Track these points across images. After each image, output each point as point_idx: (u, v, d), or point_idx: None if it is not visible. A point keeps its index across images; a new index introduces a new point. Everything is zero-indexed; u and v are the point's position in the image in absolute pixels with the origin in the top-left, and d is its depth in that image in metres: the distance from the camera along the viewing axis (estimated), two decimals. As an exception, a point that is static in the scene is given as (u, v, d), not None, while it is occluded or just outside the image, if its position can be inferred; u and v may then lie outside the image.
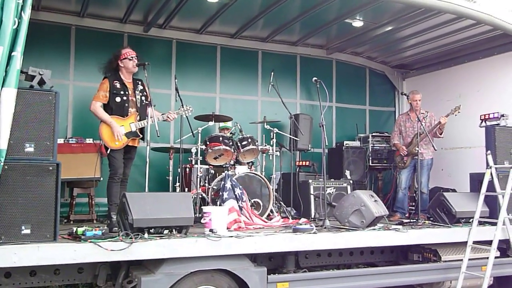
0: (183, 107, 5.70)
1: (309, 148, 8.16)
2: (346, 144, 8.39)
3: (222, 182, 5.91)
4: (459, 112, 6.96)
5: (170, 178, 6.71)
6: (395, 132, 7.64)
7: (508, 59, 7.37)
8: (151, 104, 5.29)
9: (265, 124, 7.09)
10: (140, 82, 5.48)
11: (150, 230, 4.29)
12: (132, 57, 5.36)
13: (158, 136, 5.11)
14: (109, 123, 5.19)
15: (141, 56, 5.56)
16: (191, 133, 6.12)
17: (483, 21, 6.53)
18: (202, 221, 4.81)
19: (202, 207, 5.53)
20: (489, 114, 6.70)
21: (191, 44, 8.10)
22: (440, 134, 7.15)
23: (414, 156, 7.09)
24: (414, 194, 7.68)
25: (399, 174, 7.49)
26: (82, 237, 4.12)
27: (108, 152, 5.23)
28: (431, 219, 6.32)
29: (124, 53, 5.37)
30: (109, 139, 5.18)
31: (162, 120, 5.52)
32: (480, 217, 5.79)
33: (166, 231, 4.39)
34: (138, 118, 5.34)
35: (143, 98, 5.43)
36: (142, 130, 5.38)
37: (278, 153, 7.06)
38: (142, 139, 5.43)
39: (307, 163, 7.89)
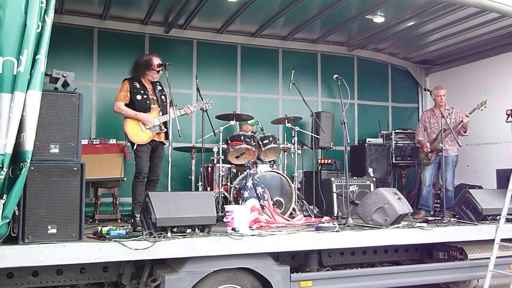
0: (202, 100, 5.76)
1: (331, 146, 8.13)
2: (368, 141, 8.33)
3: (244, 181, 5.92)
4: (485, 107, 6.82)
5: (193, 177, 6.76)
6: (419, 128, 7.56)
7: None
8: (172, 104, 5.35)
9: (286, 122, 7.08)
10: (158, 83, 5.59)
11: (173, 229, 4.34)
12: (159, 71, 5.45)
13: (180, 136, 5.17)
14: (134, 116, 5.28)
15: (162, 57, 5.63)
16: (213, 132, 6.15)
17: (508, 14, 6.39)
18: (225, 220, 4.83)
19: (224, 206, 5.56)
20: (516, 109, 6.59)
21: (211, 43, 8.14)
22: (465, 132, 7.03)
23: (438, 152, 7.00)
24: (439, 191, 7.57)
25: (423, 171, 7.40)
26: (107, 236, 4.18)
27: (134, 148, 5.30)
28: (457, 216, 6.21)
29: (154, 66, 5.47)
30: (134, 134, 5.26)
31: (181, 114, 5.57)
32: (507, 214, 5.67)
33: (189, 230, 4.42)
34: (160, 113, 5.43)
35: (163, 97, 5.54)
36: (165, 125, 5.45)
37: (300, 151, 7.04)
38: (167, 134, 5.49)
39: (329, 161, 7.85)
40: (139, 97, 5.38)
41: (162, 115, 5.45)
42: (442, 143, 6.62)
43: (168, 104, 5.47)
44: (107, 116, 6.81)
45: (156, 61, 5.52)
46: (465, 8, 6.64)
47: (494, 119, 7.23)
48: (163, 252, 4.15)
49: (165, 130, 5.48)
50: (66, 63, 6.64)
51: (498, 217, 5.70)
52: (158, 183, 5.53)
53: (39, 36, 3.81)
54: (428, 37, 8.21)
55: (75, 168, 4.07)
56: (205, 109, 5.79)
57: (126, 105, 5.38)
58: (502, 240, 5.54)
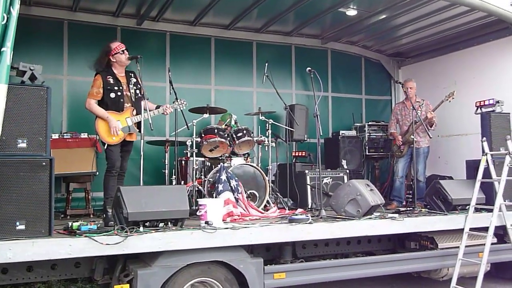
0: (177, 100, 5.68)
1: (305, 139, 8.17)
2: (342, 133, 8.40)
3: (218, 174, 5.91)
4: (453, 98, 6.95)
5: (166, 171, 6.72)
6: (392, 121, 7.65)
7: (502, 45, 7.36)
8: (144, 97, 5.27)
9: (260, 115, 7.09)
10: (132, 75, 5.44)
11: (146, 224, 4.30)
12: (123, 50, 5.33)
13: (152, 130, 5.11)
14: (105, 118, 5.17)
15: (134, 50, 5.54)
16: (186, 126, 6.10)
17: (476, 7, 6.52)
18: (198, 213, 4.81)
19: (198, 199, 5.54)
20: (484, 100, 6.69)
21: (184, 36, 8.07)
22: (431, 126, 7.08)
23: (410, 144, 7.09)
24: (411, 183, 7.69)
25: (396, 163, 7.51)
26: (77, 231, 4.13)
27: (105, 147, 5.22)
28: (428, 207, 6.33)
29: (115, 48, 5.33)
30: (106, 135, 5.17)
31: (159, 114, 5.49)
32: (476, 204, 5.80)
33: (161, 224, 4.40)
34: (134, 112, 5.33)
35: (137, 91, 5.40)
36: (139, 124, 5.36)
37: (274, 144, 7.07)
38: (139, 128, 5.41)
39: (303, 153, 7.90)
40: (112, 95, 5.23)
41: (136, 114, 5.33)
42: (413, 135, 6.74)
43: (141, 97, 5.36)
44: (78, 110, 6.69)
45: (114, 44, 5.36)
46: (436, 2, 6.74)
47: (464, 111, 7.37)
48: (136, 246, 4.12)
49: (137, 131, 5.36)
50: (35, 56, 6.48)
51: (467, 207, 5.83)
52: (125, 176, 5.45)
53: (4, 28, 3.72)
54: (400, 30, 8.30)
55: (44, 163, 3.99)
56: (179, 109, 5.74)
57: (99, 101, 5.26)
58: (471, 229, 5.67)
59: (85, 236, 4.00)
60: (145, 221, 4.29)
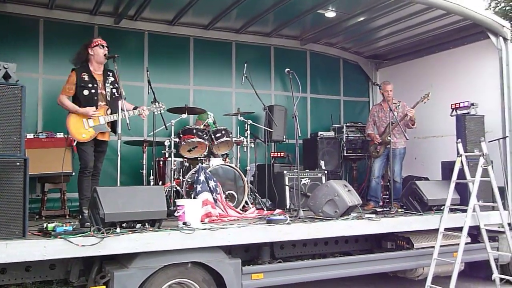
0: (155, 102, 5.64)
1: (284, 139, 8.20)
2: (320, 134, 8.44)
3: (196, 175, 5.89)
4: (428, 100, 7.06)
5: (144, 171, 6.67)
6: (369, 122, 7.75)
7: (477, 49, 7.49)
8: (122, 97, 5.21)
9: (239, 116, 7.09)
10: (111, 74, 5.37)
11: (122, 225, 4.26)
12: (103, 45, 5.27)
13: (129, 130, 5.07)
14: (75, 111, 5.08)
15: (112, 49, 5.48)
16: (164, 126, 6.07)
17: (452, 10, 6.64)
18: (176, 214, 4.80)
19: (175, 200, 5.51)
20: (459, 103, 6.83)
21: (163, 35, 8.02)
22: (413, 125, 7.25)
23: (387, 145, 7.19)
24: (388, 183, 7.79)
25: (372, 164, 7.60)
26: (52, 233, 4.07)
27: (75, 144, 5.14)
28: (404, 207, 6.42)
29: (95, 41, 5.27)
30: (75, 131, 5.08)
31: (135, 115, 5.43)
32: (451, 205, 5.90)
33: (138, 225, 4.36)
34: (108, 111, 5.26)
35: (113, 90, 5.32)
36: (113, 123, 5.29)
37: (252, 145, 7.08)
38: (114, 132, 5.34)
39: (282, 154, 7.93)
40: (86, 92, 5.16)
41: (111, 113, 5.27)
42: (389, 136, 6.82)
43: (118, 97, 5.29)
44: (54, 109, 6.55)
45: (96, 38, 5.29)
46: (413, 5, 6.82)
47: (440, 113, 7.47)
48: (112, 248, 4.08)
49: (109, 130, 5.30)
50: (10, 54, 6.38)
51: (442, 208, 5.93)
52: (99, 177, 5.38)
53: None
54: (378, 33, 8.39)
55: (18, 163, 3.93)
56: (156, 113, 5.68)
57: (73, 98, 5.18)
58: (446, 229, 5.77)
59: (60, 238, 3.95)
60: (122, 222, 4.25)
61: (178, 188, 6.25)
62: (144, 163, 6.68)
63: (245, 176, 6.57)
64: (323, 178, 7.10)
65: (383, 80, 7.85)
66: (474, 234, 6.20)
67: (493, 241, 6.29)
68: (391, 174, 6.97)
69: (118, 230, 4.18)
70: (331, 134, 8.70)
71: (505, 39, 6.85)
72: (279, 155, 7.95)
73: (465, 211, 5.73)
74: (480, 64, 7.41)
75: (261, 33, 8.65)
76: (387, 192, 7.58)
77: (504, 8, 26.57)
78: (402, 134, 7.02)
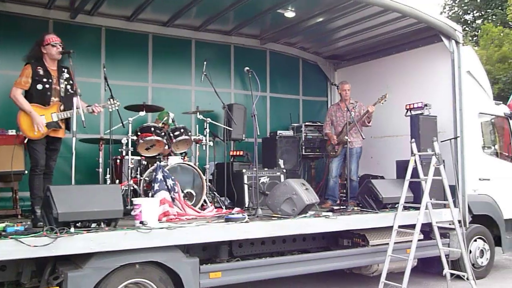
0: (111, 99, 5.54)
1: (243, 138, 8.22)
2: (279, 133, 8.51)
3: (154, 173, 5.83)
4: (385, 101, 7.26)
5: (101, 170, 6.53)
6: (326, 122, 7.86)
7: (431, 51, 7.69)
8: (77, 94, 5.09)
9: (198, 114, 7.06)
10: (66, 70, 5.25)
11: (77, 224, 4.19)
12: (55, 43, 5.12)
13: (84, 127, 4.95)
14: (28, 112, 4.95)
15: (68, 44, 5.34)
16: (121, 124, 5.97)
17: (407, 14, 6.82)
18: (133, 213, 4.75)
19: (133, 199, 5.44)
20: (413, 103, 7.05)
21: (121, 32, 7.87)
22: (369, 122, 7.41)
23: (344, 144, 7.31)
24: (345, 182, 7.92)
25: (330, 163, 7.71)
26: (3, 233, 3.94)
27: (26, 142, 5.00)
28: (360, 205, 6.55)
29: (47, 39, 5.12)
30: (27, 129, 4.93)
31: (88, 112, 5.32)
32: (405, 203, 6.07)
33: (94, 225, 4.30)
34: (61, 108, 5.13)
35: (68, 87, 5.20)
36: (67, 120, 5.17)
37: (211, 143, 7.06)
38: (68, 129, 5.22)
39: (241, 153, 7.93)
40: (40, 86, 5.02)
41: (64, 109, 5.13)
42: (347, 136, 6.94)
43: (72, 94, 5.16)
44: (6, 105, 6.33)
45: (48, 36, 5.16)
46: (370, 7, 6.95)
47: (396, 113, 7.65)
48: (66, 248, 4.00)
49: (62, 127, 5.18)
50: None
51: (396, 205, 6.09)
52: (52, 175, 5.25)
53: None
54: (336, 33, 8.51)
55: (-34, 161, 3.79)
56: (111, 110, 5.58)
57: (25, 92, 5.02)
58: (400, 226, 5.93)
59: (11, 238, 3.84)
60: (76, 222, 4.18)
61: (135, 186, 6.17)
62: (100, 162, 6.55)
63: (204, 175, 6.54)
64: (282, 176, 7.16)
65: (342, 80, 7.99)
66: (427, 231, 6.41)
67: (445, 237, 6.54)
68: (347, 173, 7.09)
69: (72, 229, 4.10)
70: (290, 133, 8.77)
71: (457, 43, 7.08)
72: (238, 153, 7.95)
73: (418, 209, 5.90)
74: (434, 66, 7.62)
75: (221, 31, 8.63)
76: (344, 191, 7.71)
77: (457, 12, 27.54)
78: (358, 133, 7.17)
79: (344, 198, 7.31)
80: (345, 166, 7.73)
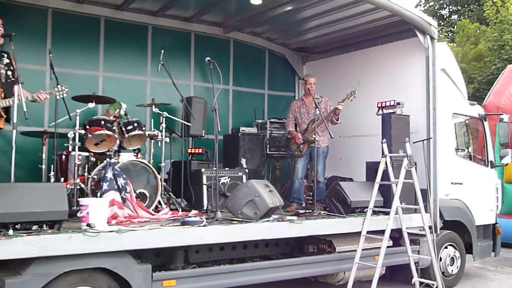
0: (58, 86, 5.45)
1: (203, 134, 8.19)
2: (242, 130, 8.53)
3: (103, 171, 5.77)
4: (354, 97, 7.35)
5: (44, 166, 6.39)
6: (289, 118, 7.88)
7: (405, 47, 7.84)
8: (18, 82, 4.98)
9: (153, 107, 7.01)
10: (6, 55, 5.15)
11: (16, 226, 4.13)
12: None
13: (26, 119, 4.84)
14: None
15: (9, 27, 5.23)
16: (68, 116, 5.88)
17: (381, 5, 6.95)
18: (79, 214, 4.70)
19: (79, 199, 5.37)
20: (385, 102, 7.19)
21: (70, 14, 7.72)
22: (337, 120, 7.47)
23: (310, 144, 7.39)
24: (312, 184, 8.01)
25: (295, 163, 7.74)
26: None
27: None
28: (327, 209, 6.66)
29: None
30: None
31: (30, 100, 5.22)
32: (374, 207, 6.21)
33: (35, 227, 4.25)
34: (2, 95, 5.02)
35: (8, 73, 5.11)
36: (7, 110, 5.05)
37: (168, 140, 7.02)
38: (7, 120, 5.11)
39: (200, 150, 7.92)
40: (-24, 72, 4.92)
41: (4, 97, 5.01)
42: (315, 134, 7.00)
43: (13, 81, 5.06)
44: None
45: None
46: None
47: (366, 111, 7.80)
48: (3, 252, 3.93)
49: (4, 117, 5.05)
50: None
51: (365, 210, 6.21)
52: None
53: None
54: (305, 24, 8.60)
55: None
56: (57, 97, 5.49)
57: None
58: (369, 232, 6.06)
59: None
60: (15, 223, 4.12)
61: (82, 185, 6.08)
62: (43, 157, 6.41)
63: (159, 174, 6.51)
64: (244, 177, 7.19)
65: (307, 73, 8.05)
66: (396, 237, 6.57)
67: (415, 244, 6.71)
68: (314, 174, 7.18)
69: (10, 232, 4.04)
70: (253, 130, 8.81)
71: (432, 38, 7.24)
72: (197, 151, 7.94)
73: (388, 213, 6.05)
74: (407, 62, 7.78)
75: (181, 17, 8.59)
76: (311, 193, 7.80)
77: (433, 7, 28.25)
78: (326, 131, 7.21)
79: (311, 202, 7.39)
80: (311, 167, 7.83)
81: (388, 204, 6.30)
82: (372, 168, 6.83)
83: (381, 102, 7.25)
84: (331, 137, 7.01)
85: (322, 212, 6.59)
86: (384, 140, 6.54)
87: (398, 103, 7.13)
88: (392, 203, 6.06)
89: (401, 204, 6.28)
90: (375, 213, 6.32)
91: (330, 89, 8.24)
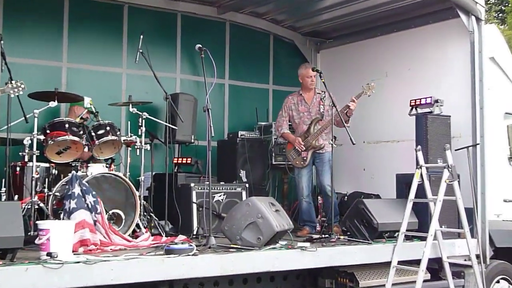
0: (11, 82, 5.46)
1: (192, 140, 8.20)
2: (241, 135, 8.54)
3: (68, 187, 5.76)
4: (373, 92, 7.25)
5: (-7, 181, 6.43)
6: (283, 118, 7.72)
7: (444, 30, 7.85)
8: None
9: (130, 106, 7.01)
10: None
11: (-42, 256, 4.11)
12: None
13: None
14: None
15: None
16: (24, 118, 5.88)
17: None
18: (38, 241, 4.68)
19: (38, 221, 5.35)
20: (420, 99, 7.17)
21: (26, -9, 7.79)
22: (347, 122, 7.11)
23: (316, 150, 7.33)
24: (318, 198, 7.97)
25: (298, 177, 7.61)
26: None
27: None
28: (348, 233, 6.63)
29: None
30: None
31: None
32: (407, 230, 6.18)
33: (-18, 257, 4.22)
34: None
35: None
36: None
37: (148, 147, 7.02)
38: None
39: (189, 160, 7.91)
40: None
41: None
42: (332, 140, 6.90)
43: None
44: None
45: None
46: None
47: (396, 111, 7.82)
48: None
49: None
50: None
51: (396, 234, 6.18)
52: None
53: None
54: (320, 2, 8.59)
55: None
56: (12, 95, 5.49)
57: None
58: (400, 262, 6.03)
59: None
60: (-43, 253, 4.10)
61: (41, 205, 6.07)
62: (-7, 169, 6.44)
63: (137, 190, 6.51)
64: (243, 193, 7.19)
65: (326, 65, 8.02)
66: (435, 268, 6.53)
67: (458, 277, 6.67)
68: (323, 188, 7.12)
69: (-50, 263, 4.03)
70: (255, 134, 8.82)
71: (478, 20, 7.23)
72: (184, 161, 7.94)
73: (424, 239, 6.01)
74: (447, 49, 7.78)
75: (164, -6, 8.65)
76: (324, 213, 7.76)
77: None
78: (329, 133, 7.08)
79: (326, 224, 7.34)
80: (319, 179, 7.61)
81: (425, 227, 6.27)
82: (403, 182, 6.81)
83: (415, 100, 7.24)
84: (353, 143, 6.88)
85: (342, 237, 6.56)
86: (419, 147, 6.52)
87: (436, 101, 7.11)
88: (429, 226, 6.03)
89: (441, 227, 6.26)
90: (408, 238, 6.30)
91: (351, 84, 8.19)
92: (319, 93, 7.50)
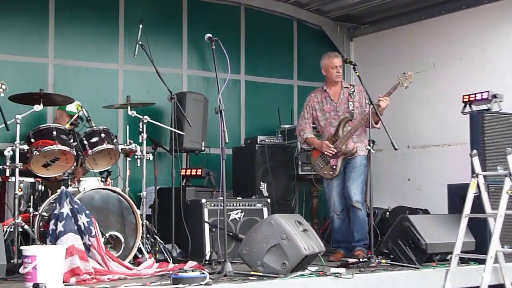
0: None
1: (203, 148, 8.21)
2: (261, 140, 8.55)
3: (57, 206, 5.78)
4: (410, 82, 7.13)
5: (-30, 199, 6.48)
6: (305, 120, 7.62)
7: (504, 10, 7.80)
8: None
9: (129, 108, 7.03)
10: None
11: None
12: None
13: None
14: None
15: None
16: (4, 125, 5.92)
17: None
18: (22, 270, 4.70)
19: (22, 247, 5.38)
20: (475, 94, 7.08)
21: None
22: (377, 123, 7.03)
23: (347, 156, 7.25)
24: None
25: (327, 189, 7.52)
26: None
27: None
28: (391, 256, 6.59)
29: None
30: None
31: None
32: (462, 252, 6.12)
33: (-43, 290, 4.26)
34: None
35: None
36: None
37: (151, 157, 7.02)
38: None
39: (199, 172, 7.92)
40: None
41: None
42: (370, 145, 6.86)
43: None
44: None
45: None
46: None
47: (447, 108, 7.76)
48: None
49: None
50: None
51: (449, 257, 6.13)
52: None
53: None
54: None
55: None
56: None
57: None
58: (456, 290, 5.98)
59: None
60: None
61: (26, 227, 6.10)
62: (-32, 186, 6.50)
63: (139, 208, 6.53)
64: (265, 210, 7.18)
65: (361, 54, 7.98)
66: (497, 296, 6.47)
67: (525, 307, 6.60)
68: (349, 197, 7.05)
69: None
70: (277, 140, 8.80)
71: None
72: (194, 173, 7.94)
73: (483, 262, 5.95)
74: (508, 35, 7.73)
75: (167, -25, 8.70)
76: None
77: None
78: (363, 135, 7.14)
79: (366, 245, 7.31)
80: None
81: (484, 247, 6.22)
82: (457, 194, 6.77)
83: (469, 95, 7.15)
84: (395, 148, 6.83)
85: (384, 261, 6.53)
86: (475, 151, 6.44)
87: (495, 96, 7.03)
88: (489, 246, 5.98)
89: (503, 247, 6.19)
90: (463, 261, 6.24)
91: (389, 77, 8.13)
92: (347, 87, 7.42)
